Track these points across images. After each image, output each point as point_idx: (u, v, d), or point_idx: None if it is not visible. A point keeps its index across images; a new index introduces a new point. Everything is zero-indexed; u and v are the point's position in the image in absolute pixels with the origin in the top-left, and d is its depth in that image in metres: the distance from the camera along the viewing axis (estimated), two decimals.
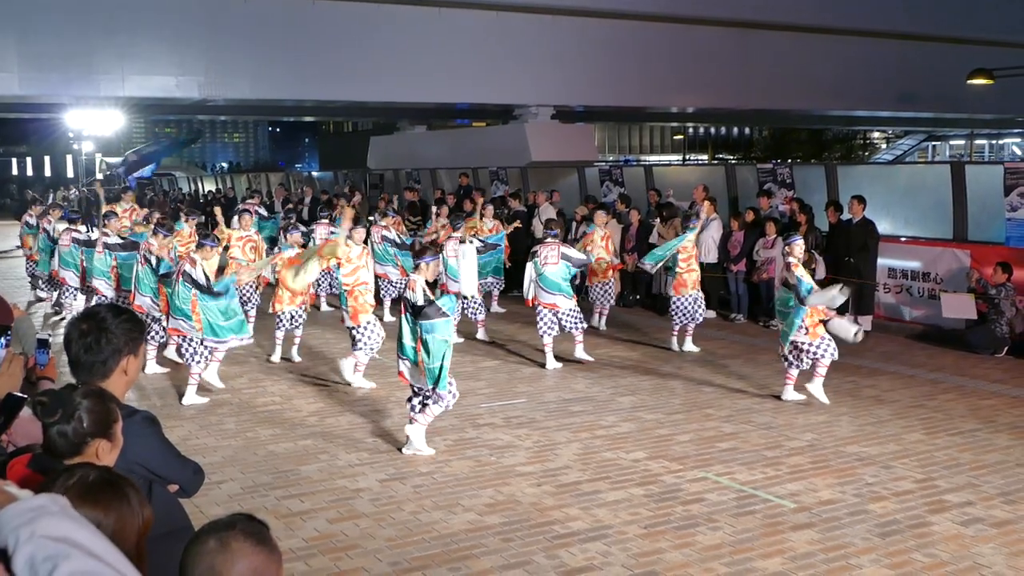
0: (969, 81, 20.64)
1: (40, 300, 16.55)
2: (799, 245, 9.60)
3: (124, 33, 20.43)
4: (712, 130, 75.97)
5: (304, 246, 12.10)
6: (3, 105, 26.82)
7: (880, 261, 13.37)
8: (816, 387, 9.38)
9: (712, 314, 14.72)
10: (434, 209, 16.28)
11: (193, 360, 9.71)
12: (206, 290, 9.64)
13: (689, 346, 12.14)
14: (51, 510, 1.64)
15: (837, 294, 9.05)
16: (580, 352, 11.43)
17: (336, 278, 11.34)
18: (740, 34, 26.79)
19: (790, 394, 9.60)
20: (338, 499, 6.86)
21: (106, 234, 12.82)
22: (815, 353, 9.34)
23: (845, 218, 13.33)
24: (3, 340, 3.18)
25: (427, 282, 7.99)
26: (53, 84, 21.01)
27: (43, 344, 3.38)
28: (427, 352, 7.62)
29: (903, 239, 13.94)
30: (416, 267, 8.11)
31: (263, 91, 22.99)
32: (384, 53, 22.61)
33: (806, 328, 9.29)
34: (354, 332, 10.14)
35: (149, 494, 2.82)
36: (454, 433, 8.50)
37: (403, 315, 7.87)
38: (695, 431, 8.58)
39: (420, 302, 7.70)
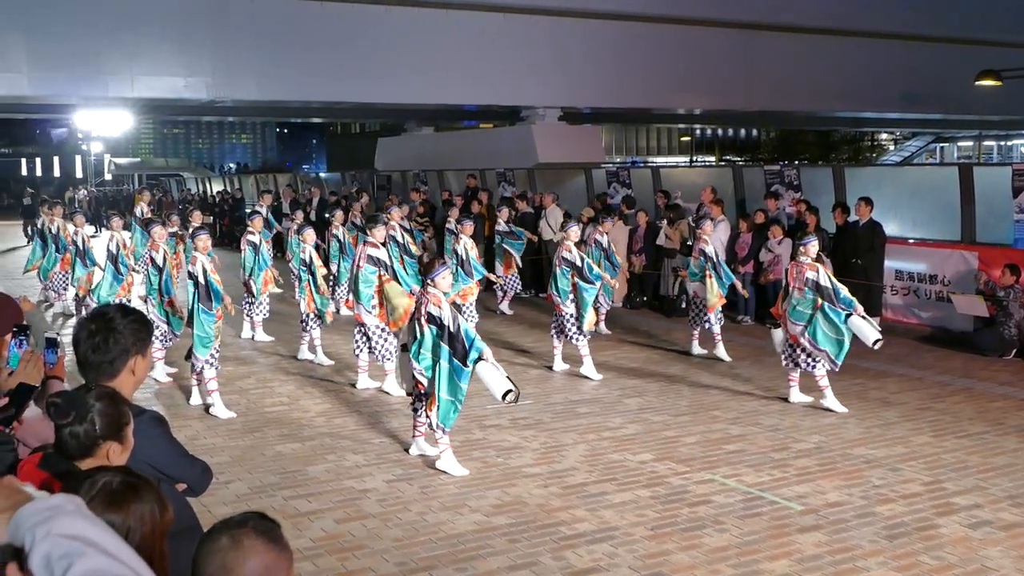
0: (977, 82, 20.60)
1: (48, 301, 16.57)
2: (814, 246, 9.55)
3: (132, 34, 20.52)
4: (719, 132, 76.03)
5: (317, 247, 12.00)
6: (12, 105, 26.91)
7: (887, 263, 13.35)
8: (829, 400, 9.31)
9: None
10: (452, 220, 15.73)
11: (205, 369, 9.29)
12: (204, 292, 9.25)
13: (698, 349, 12.07)
14: (66, 509, 1.66)
15: (873, 336, 9.02)
16: (586, 367, 10.81)
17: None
18: (747, 36, 26.81)
19: (796, 396, 9.58)
20: (345, 499, 6.87)
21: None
22: (807, 362, 9.30)
23: (852, 220, 13.32)
24: (20, 339, 3.19)
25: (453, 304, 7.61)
26: (62, 84, 21.11)
27: (52, 343, 3.39)
28: (440, 382, 7.28)
29: (911, 241, 13.92)
30: (432, 283, 7.54)
31: (271, 92, 23.07)
32: (391, 54, 22.67)
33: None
34: (369, 333, 10.03)
35: None
36: (461, 434, 8.50)
37: (425, 326, 7.40)
38: (702, 433, 8.57)
39: (450, 325, 7.29)
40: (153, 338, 3.87)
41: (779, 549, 5.94)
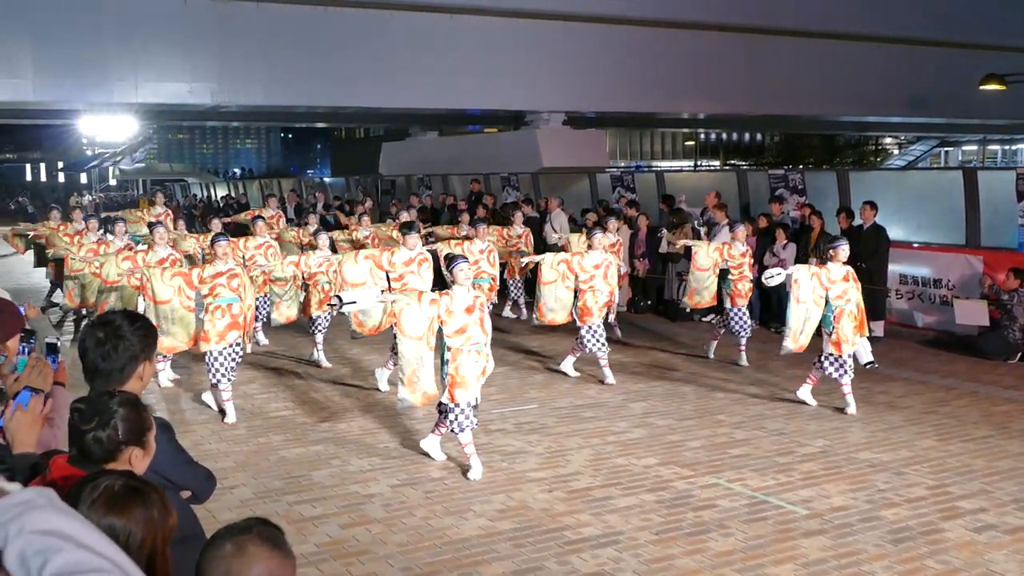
0: (981, 87, 20.60)
1: (54, 305, 16.53)
2: (845, 249, 9.43)
3: (138, 40, 20.54)
4: (724, 136, 75.95)
5: (333, 249, 11.89)
6: (17, 111, 26.95)
7: (892, 267, 13.33)
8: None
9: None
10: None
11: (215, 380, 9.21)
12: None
13: (743, 360, 11.61)
14: (38, 503, 1.63)
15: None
16: (605, 372, 10.75)
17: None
18: (751, 40, 26.78)
19: (805, 393, 9.57)
20: (350, 504, 6.87)
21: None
22: (835, 372, 9.28)
23: (856, 224, 13.32)
24: (24, 346, 3.20)
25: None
26: (67, 90, 21.13)
27: (52, 349, 3.40)
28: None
29: (915, 245, 13.90)
30: (450, 275, 7.63)
31: (275, 97, 23.08)
32: (396, 59, 22.68)
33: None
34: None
35: None
36: None
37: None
38: (706, 437, 8.57)
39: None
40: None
41: (784, 553, 5.94)
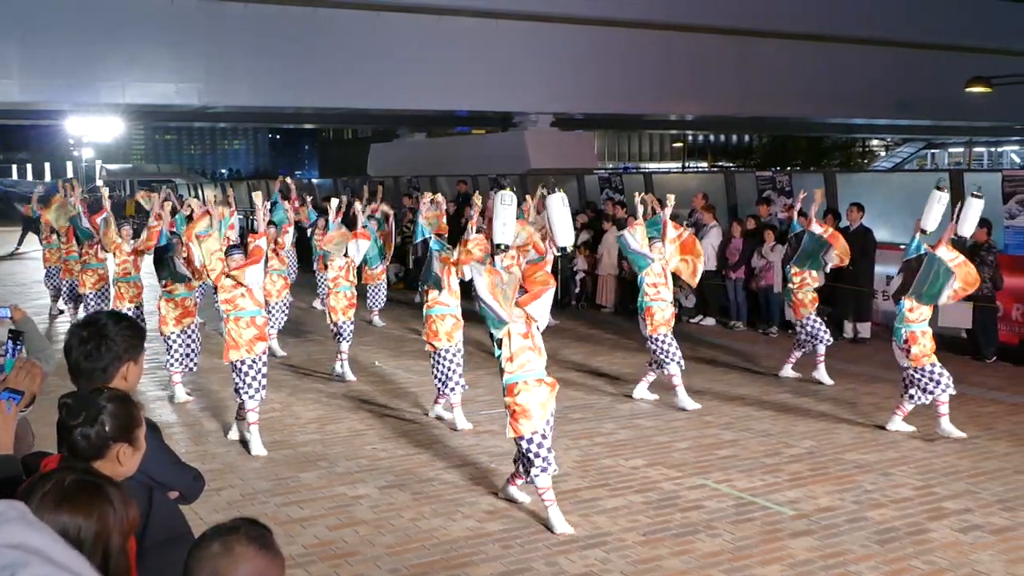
0: (967, 89, 20.70)
1: (61, 312, 16.10)
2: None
3: (125, 40, 20.49)
4: (711, 138, 76.12)
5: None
6: (4, 112, 26.83)
7: (878, 269, 13.39)
8: (945, 425, 8.59)
9: (711, 321, 14.76)
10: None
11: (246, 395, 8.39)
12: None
13: (822, 375, 10.79)
14: (9, 516, 1.61)
15: None
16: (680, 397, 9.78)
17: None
18: (739, 42, 26.88)
19: (897, 424, 8.84)
20: (337, 506, 6.86)
21: None
22: (926, 386, 8.58)
23: (843, 225, 13.35)
24: (13, 347, 3.18)
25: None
26: (54, 91, 21.07)
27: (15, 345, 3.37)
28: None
29: (902, 247, 13.92)
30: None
31: (263, 98, 23.06)
32: (384, 60, 22.68)
33: (907, 350, 8.68)
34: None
35: (149, 501, 2.83)
36: (455, 439, 8.52)
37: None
38: (694, 438, 8.59)
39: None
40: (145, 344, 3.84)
41: (771, 554, 5.95)
